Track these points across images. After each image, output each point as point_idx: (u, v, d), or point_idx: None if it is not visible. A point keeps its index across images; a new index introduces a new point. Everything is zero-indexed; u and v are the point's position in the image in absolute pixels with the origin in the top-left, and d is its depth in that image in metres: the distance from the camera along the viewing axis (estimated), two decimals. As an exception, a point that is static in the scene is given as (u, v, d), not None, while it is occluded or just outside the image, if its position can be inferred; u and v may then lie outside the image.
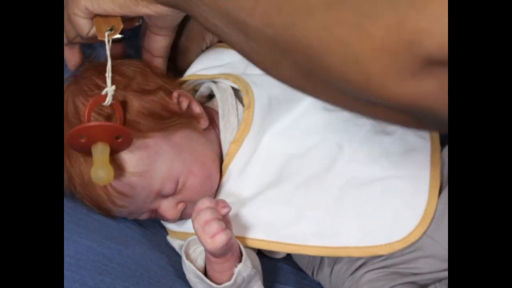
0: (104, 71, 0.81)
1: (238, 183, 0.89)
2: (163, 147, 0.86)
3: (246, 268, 0.83)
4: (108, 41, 0.81)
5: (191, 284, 0.86)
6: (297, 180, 0.87)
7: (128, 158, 0.84)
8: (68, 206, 0.87)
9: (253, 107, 0.89)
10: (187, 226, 0.90)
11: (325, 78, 0.58)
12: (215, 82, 0.97)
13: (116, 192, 0.85)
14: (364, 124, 0.90)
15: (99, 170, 0.79)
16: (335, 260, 0.89)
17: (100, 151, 0.80)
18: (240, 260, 0.83)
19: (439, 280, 0.84)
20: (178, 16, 0.86)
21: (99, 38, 0.81)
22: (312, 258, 0.90)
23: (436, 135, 0.90)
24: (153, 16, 0.82)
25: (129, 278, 0.82)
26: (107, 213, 0.88)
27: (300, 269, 0.95)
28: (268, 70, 0.65)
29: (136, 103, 0.86)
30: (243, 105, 0.92)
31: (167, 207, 0.88)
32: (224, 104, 0.93)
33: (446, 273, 0.84)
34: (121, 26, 0.81)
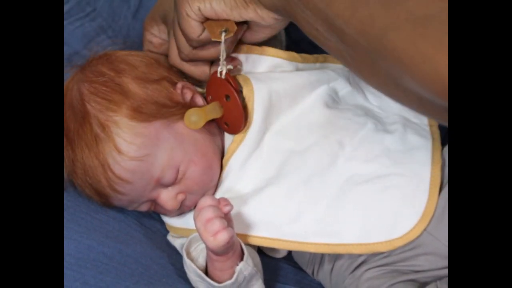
0: (109, 61, 0.88)
1: (238, 179, 0.90)
2: (165, 134, 0.87)
3: (248, 266, 0.83)
4: (225, 41, 0.84)
5: (192, 283, 0.86)
6: (298, 177, 0.87)
7: (130, 142, 0.85)
8: (69, 205, 0.87)
9: (253, 100, 0.89)
10: (188, 222, 0.90)
11: (413, 89, 0.63)
12: None
13: (117, 177, 0.85)
14: (366, 123, 0.90)
15: (193, 115, 0.86)
16: (336, 258, 0.89)
17: (212, 107, 0.88)
18: (241, 259, 0.83)
19: (440, 278, 0.84)
20: (272, 31, 0.89)
21: (213, 39, 0.83)
22: (313, 256, 0.90)
23: (437, 135, 0.90)
24: (257, 23, 0.85)
25: (129, 277, 0.82)
26: (107, 201, 0.88)
27: (300, 269, 0.95)
28: (366, 78, 0.70)
29: (140, 91, 0.88)
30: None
31: (166, 197, 0.88)
32: None
33: (446, 271, 0.83)
34: (235, 28, 0.83)
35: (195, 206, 0.84)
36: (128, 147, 0.84)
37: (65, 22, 1.05)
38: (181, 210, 0.91)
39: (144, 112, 0.86)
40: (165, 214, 0.93)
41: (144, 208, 0.91)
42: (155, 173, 0.86)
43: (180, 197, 0.88)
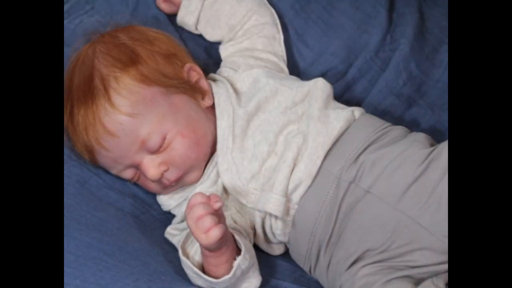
0: (129, 30, 0.96)
1: None
2: (160, 101, 0.91)
3: (245, 260, 0.84)
4: None
5: (190, 279, 0.87)
6: None
7: (125, 97, 0.89)
8: (69, 203, 0.88)
9: None
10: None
11: None
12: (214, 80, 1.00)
13: (104, 129, 0.88)
14: None
15: None
16: (331, 255, 0.89)
17: None
18: (236, 252, 0.84)
19: (436, 274, 0.85)
20: None
21: None
22: (309, 254, 0.91)
23: None
24: None
25: (129, 274, 0.82)
26: (93, 157, 0.92)
27: (298, 266, 0.95)
28: None
29: (148, 59, 0.92)
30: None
31: (149, 163, 0.90)
32: (220, 94, 0.95)
33: (442, 267, 0.84)
34: None
35: (176, 182, 0.90)
36: (122, 102, 0.88)
37: (65, 22, 1.06)
38: (163, 184, 0.92)
39: (146, 75, 0.90)
40: (149, 189, 0.95)
41: (128, 174, 0.93)
42: (141, 133, 0.89)
43: (163, 167, 0.90)
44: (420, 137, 0.92)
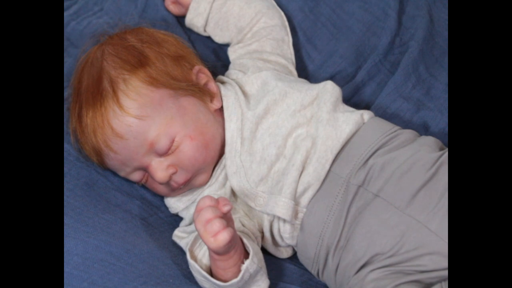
0: (138, 32, 0.96)
1: None
2: (169, 103, 0.91)
3: (253, 264, 0.84)
4: None
5: (198, 282, 0.87)
6: None
7: (133, 100, 0.89)
8: (76, 205, 0.88)
9: None
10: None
11: None
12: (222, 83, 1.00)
13: (113, 131, 0.88)
14: None
15: None
16: (340, 259, 0.89)
17: None
18: (245, 256, 0.84)
19: (445, 278, 0.84)
20: None
21: None
22: (317, 258, 0.91)
23: None
24: None
25: (137, 277, 0.83)
26: (101, 160, 0.92)
27: (305, 270, 0.95)
28: None
29: (157, 61, 0.93)
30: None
31: (157, 166, 0.91)
32: (229, 97, 0.96)
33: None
34: None
35: (185, 185, 0.90)
36: (130, 104, 0.89)
37: (73, 23, 1.07)
38: (171, 187, 0.93)
39: (155, 78, 0.90)
40: (157, 191, 0.95)
41: (136, 176, 0.93)
42: (150, 136, 0.89)
43: (171, 170, 0.91)
44: (429, 141, 0.91)
